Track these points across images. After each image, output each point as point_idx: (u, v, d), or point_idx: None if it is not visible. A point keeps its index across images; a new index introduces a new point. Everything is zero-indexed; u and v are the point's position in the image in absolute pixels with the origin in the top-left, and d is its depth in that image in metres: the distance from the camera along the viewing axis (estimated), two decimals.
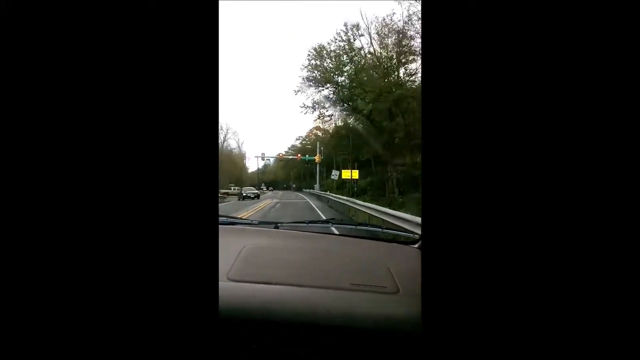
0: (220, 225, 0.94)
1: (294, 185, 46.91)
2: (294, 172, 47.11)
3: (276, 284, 0.64)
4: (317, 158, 25.74)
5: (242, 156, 43.91)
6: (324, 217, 3.04)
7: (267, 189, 46.04)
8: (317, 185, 27.23)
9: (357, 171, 20.30)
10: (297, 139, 34.44)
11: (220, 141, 33.79)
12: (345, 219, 6.87)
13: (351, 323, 0.56)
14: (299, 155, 27.85)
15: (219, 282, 0.53)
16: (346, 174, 20.22)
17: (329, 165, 28.15)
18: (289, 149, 40.77)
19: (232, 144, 41.01)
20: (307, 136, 35.84)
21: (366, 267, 0.78)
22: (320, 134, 33.60)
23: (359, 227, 1.34)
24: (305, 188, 35.76)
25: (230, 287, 0.62)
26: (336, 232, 1.33)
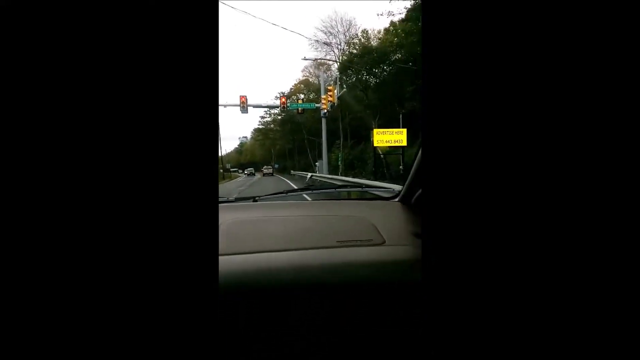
0: None
1: (276, 166, 35.54)
2: (277, 148, 35.97)
3: (264, 251, 0.65)
4: (324, 101, 12.97)
5: None
6: None
7: (243, 171, 35.86)
8: (321, 163, 15.40)
9: (404, 131, 9.82)
10: (276, 97, 22.96)
11: None
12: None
13: (343, 277, 0.59)
14: (284, 99, 14.66)
15: None
16: (382, 137, 9.65)
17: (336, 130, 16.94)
18: (265, 113, 28.88)
19: None
20: (292, 92, 24.35)
21: (350, 224, 0.79)
22: (315, 80, 22.39)
23: (338, 189, 1.33)
24: (296, 169, 24.61)
25: (220, 262, 0.58)
26: (317, 198, 1.29)
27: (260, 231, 0.78)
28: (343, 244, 0.68)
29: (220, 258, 0.61)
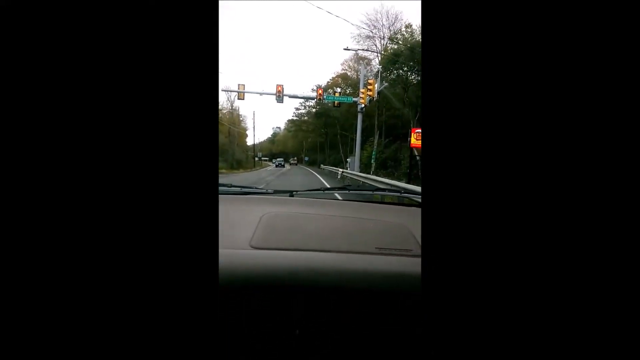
0: (236, 196, 1.08)
1: (306, 159, 35.59)
2: (309, 141, 35.95)
3: (302, 250, 0.63)
4: (362, 95, 12.33)
5: (235, 119, 31.89)
6: None
7: (271, 161, 36.51)
8: (353, 159, 14.97)
9: None
10: (312, 89, 22.69)
11: None
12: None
13: (380, 286, 0.58)
14: (320, 91, 14.09)
15: (242, 251, 0.60)
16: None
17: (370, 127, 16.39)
18: (300, 104, 28.69)
19: (219, 99, 29.21)
20: (329, 85, 23.98)
21: (389, 231, 0.77)
22: (354, 75, 21.83)
23: (377, 192, 1.26)
24: (326, 164, 24.31)
25: (255, 255, 0.61)
26: (354, 198, 1.22)
27: (298, 228, 0.75)
28: (381, 251, 0.64)
29: (257, 252, 0.61)
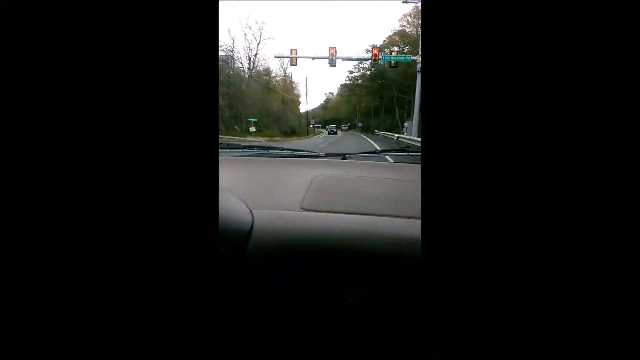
0: (287, 158, 1.08)
1: (360, 125, 34.72)
2: (362, 106, 34.72)
3: (355, 213, 0.60)
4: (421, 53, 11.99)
5: (288, 86, 31.80)
6: None
7: (324, 127, 36.61)
8: (410, 124, 13.99)
9: None
10: (367, 50, 21.30)
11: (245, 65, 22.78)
12: None
13: None
14: (376, 51, 13.08)
15: (293, 212, 0.59)
16: None
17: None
18: (354, 67, 27.33)
19: (272, 67, 29.02)
20: (385, 44, 22.32)
21: None
22: (413, 31, 19.96)
23: None
24: (381, 129, 23.35)
25: (305, 217, 0.59)
26: (411, 161, 1.12)
27: (351, 191, 0.72)
28: None
29: (308, 214, 0.59)
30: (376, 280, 0.55)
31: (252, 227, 0.53)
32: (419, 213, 0.50)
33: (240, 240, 0.51)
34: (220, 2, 0.38)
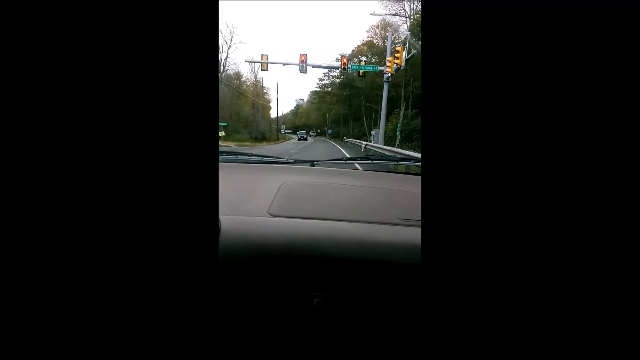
0: (255, 164, 1.08)
1: (329, 132, 35.26)
2: (332, 113, 35.33)
3: (321, 219, 0.61)
4: (389, 64, 11.81)
5: (259, 91, 31.60)
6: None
7: (295, 133, 36.72)
8: (377, 132, 14.34)
9: None
10: (336, 59, 21.87)
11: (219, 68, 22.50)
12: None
13: (402, 258, 0.55)
14: (345, 60, 13.49)
15: (261, 218, 0.60)
16: None
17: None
18: (324, 75, 27.91)
19: (243, 71, 28.77)
20: (353, 54, 23.01)
21: (413, 202, 0.73)
22: (380, 42, 20.79)
23: (401, 162, 1.23)
24: (350, 137, 23.93)
25: (272, 222, 0.59)
26: (376, 169, 1.18)
27: (318, 197, 0.74)
28: (406, 222, 0.62)
29: (275, 219, 0.60)
30: (339, 283, 0.56)
31: (218, 233, 0.54)
32: (380, 218, 0.63)
33: None
34: (220, 3, 0.38)
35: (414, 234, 0.58)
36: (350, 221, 0.61)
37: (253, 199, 0.70)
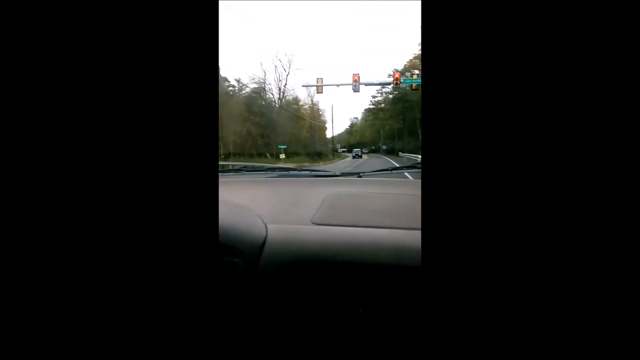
0: (304, 178, 1.13)
1: (384, 148, 34.99)
2: (386, 129, 35.22)
3: (362, 226, 0.62)
4: None
5: (315, 113, 33.20)
6: None
7: (350, 151, 37.26)
8: None
9: None
10: (389, 75, 22.18)
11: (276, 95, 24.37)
12: None
13: None
14: (397, 75, 13.84)
15: (302, 227, 0.61)
16: None
17: None
18: (377, 92, 28.26)
19: (300, 95, 30.61)
20: (406, 68, 23.13)
21: None
22: None
23: None
24: (405, 151, 23.57)
25: (314, 230, 0.61)
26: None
27: (363, 206, 0.75)
28: None
29: (317, 227, 0.63)
30: (379, 288, 0.56)
31: (265, 239, 0.57)
32: (420, 224, 0.66)
33: (253, 252, 0.54)
34: (247, 32, 0.47)
35: None
36: (390, 228, 0.62)
37: (299, 209, 0.72)
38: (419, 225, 0.62)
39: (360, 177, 1.12)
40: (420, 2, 0.36)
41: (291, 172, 1.22)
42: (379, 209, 0.73)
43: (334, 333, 0.57)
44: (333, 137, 38.56)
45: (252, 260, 0.54)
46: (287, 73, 25.07)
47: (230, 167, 3.15)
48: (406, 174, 1.29)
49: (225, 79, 21.39)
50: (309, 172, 1.18)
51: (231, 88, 22.33)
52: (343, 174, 1.16)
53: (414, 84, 13.85)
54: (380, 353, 0.56)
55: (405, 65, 23.90)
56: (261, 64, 38.65)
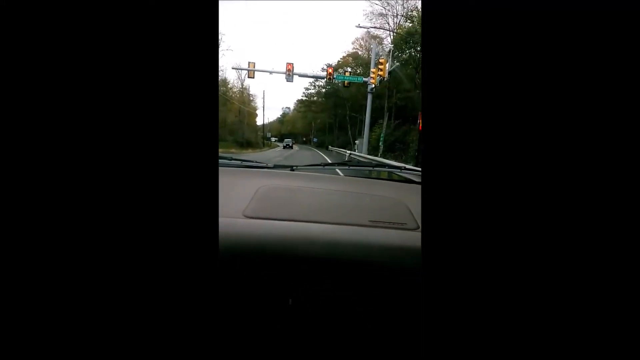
0: (235, 168, 1.09)
1: (315, 140, 35.53)
2: (318, 122, 35.71)
3: (294, 220, 0.63)
4: (373, 75, 12.20)
5: (245, 98, 31.68)
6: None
7: (281, 141, 36.90)
8: (361, 141, 14.75)
9: None
10: (322, 69, 22.38)
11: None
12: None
13: (371, 258, 0.58)
14: (331, 70, 13.93)
15: (235, 220, 0.61)
16: None
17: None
18: (310, 84, 28.38)
19: (229, 77, 28.83)
20: (339, 64, 23.55)
21: (385, 205, 0.78)
22: (365, 54, 21.40)
23: (377, 168, 1.31)
24: (335, 145, 24.24)
25: (247, 224, 0.61)
26: (354, 174, 1.25)
27: (295, 200, 0.76)
28: (375, 224, 0.65)
29: (249, 220, 0.62)
30: (313, 282, 0.58)
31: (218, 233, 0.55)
32: (351, 220, 0.64)
33: None
34: (220, 2, 0.39)
35: (380, 235, 0.61)
36: (322, 223, 0.63)
37: (230, 202, 0.71)
38: (350, 220, 0.64)
39: (293, 170, 1.11)
40: (420, 2, 0.36)
41: (220, 162, 1.13)
42: (310, 204, 0.73)
43: (268, 326, 0.59)
44: (264, 124, 37.51)
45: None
46: None
47: None
48: (337, 170, 1.29)
49: None
50: (239, 162, 1.17)
51: None
52: (276, 166, 1.16)
53: (346, 81, 14.15)
54: (319, 347, 0.59)
55: (338, 61, 24.43)
56: None
